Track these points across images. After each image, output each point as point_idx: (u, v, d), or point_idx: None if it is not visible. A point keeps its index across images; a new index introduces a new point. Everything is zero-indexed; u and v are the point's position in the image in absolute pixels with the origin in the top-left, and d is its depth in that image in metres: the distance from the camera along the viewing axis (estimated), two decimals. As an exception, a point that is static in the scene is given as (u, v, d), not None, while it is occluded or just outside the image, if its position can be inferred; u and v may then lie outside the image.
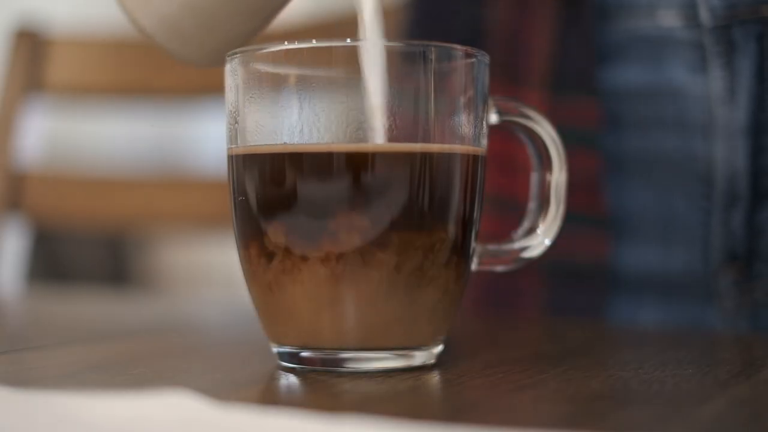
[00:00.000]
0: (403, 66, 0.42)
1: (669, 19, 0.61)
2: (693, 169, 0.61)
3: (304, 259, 0.41)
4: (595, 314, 0.64)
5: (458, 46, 0.42)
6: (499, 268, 0.47)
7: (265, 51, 0.42)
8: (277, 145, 0.41)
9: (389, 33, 0.44)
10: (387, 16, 0.44)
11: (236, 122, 0.43)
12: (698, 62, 0.60)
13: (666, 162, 0.62)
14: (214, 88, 0.83)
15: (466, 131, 0.43)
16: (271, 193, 0.41)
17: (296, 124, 0.41)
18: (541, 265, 0.64)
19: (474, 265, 0.45)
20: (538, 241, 0.46)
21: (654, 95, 0.62)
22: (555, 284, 0.65)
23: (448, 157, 0.42)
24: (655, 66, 0.62)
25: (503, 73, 0.65)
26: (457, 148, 0.42)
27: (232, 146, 0.44)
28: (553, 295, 0.65)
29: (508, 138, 0.51)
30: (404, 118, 0.41)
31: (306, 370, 0.42)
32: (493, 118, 0.45)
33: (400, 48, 0.42)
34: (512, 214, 0.60)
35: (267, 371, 0.42)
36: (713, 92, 0.59)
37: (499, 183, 0.65)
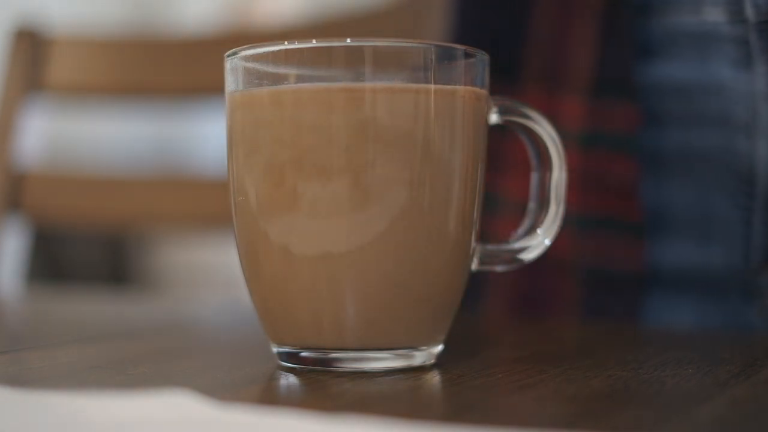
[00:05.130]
0: (403, 65, 0.41)
1: (714, 15, 0.60)
2: (735, 167, 0.60)
3: (304, 258, 0.41)
4: (632, 317, 0.63)
5: (458, 46, 0.42)
6: (499, 268, 0.46)
7: (265, 51, 0.42)
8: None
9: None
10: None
11: (236, 122, 0.43)
12: (742, 58, 0.59)
13: (707, 159, 0.61)
14: (214, 88, 0.83)
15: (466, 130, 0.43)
16: (272, 190, 0.41)
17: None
18: (576, 270, 0.64)
19: (474, 265, 0.45)
20: (538, 241, 0.46)
21: (697, 92, 0.61)
22: (590, 289, 0.64)
23: (449, 155, 0.42)
24: (699, 62, 0.61)
25: (543, 80, 0.65)
26: (458, 147, 0.42)
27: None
28: (589, 300, 0.64)
29: None
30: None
31: (306, 370, 0.42)
32: (494, 118, 0.45)
33: (401, 47, 0.42)
34: None
35: (267, 371, 0.42)
36: (757, 89, 0.59)
37: (526, 186, 0.64)
